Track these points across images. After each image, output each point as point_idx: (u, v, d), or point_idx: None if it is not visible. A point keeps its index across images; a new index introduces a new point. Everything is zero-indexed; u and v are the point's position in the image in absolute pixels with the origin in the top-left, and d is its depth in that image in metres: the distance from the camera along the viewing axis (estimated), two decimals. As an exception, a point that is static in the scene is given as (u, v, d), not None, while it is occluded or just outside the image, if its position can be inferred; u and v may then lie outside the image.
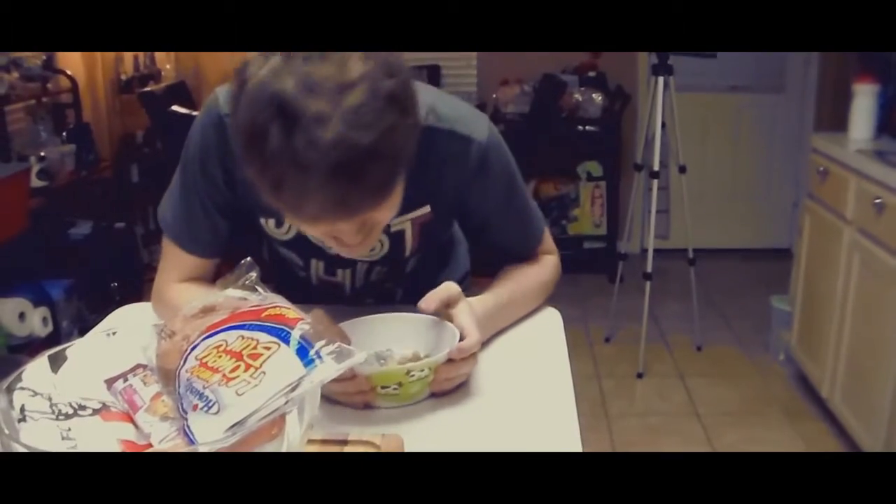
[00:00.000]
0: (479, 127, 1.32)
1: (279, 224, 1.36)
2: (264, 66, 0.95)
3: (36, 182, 3.68)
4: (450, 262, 1.62)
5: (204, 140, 1.29)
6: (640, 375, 3.73)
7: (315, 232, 1.13)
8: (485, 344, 1.29)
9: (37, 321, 3.41)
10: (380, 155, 0.95)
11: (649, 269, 3.78)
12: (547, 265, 1.50)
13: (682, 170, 3.86)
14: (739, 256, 5.21)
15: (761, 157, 5.19)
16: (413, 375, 1.13)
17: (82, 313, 3.69)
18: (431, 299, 1.23)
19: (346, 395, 1.15)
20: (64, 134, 4.12)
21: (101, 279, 3.94)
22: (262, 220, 1.36)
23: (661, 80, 3.68)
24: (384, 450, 0.98)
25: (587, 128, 4.73)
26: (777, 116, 5.12)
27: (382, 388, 1.13)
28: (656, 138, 3.71)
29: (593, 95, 4.71)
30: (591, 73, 4.89)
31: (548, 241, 1.52)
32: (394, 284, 1.50)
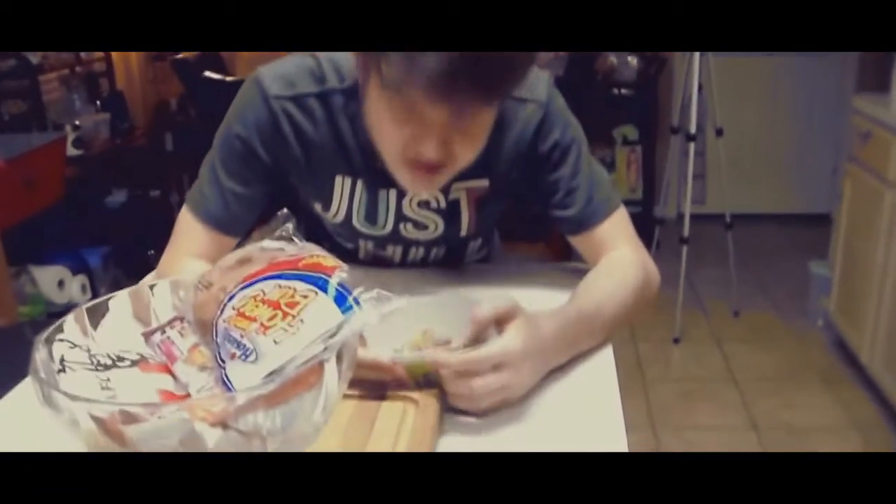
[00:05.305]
0: (537, 88, 1.24)
1: (326, 208, 1.32)
2: None
3: (72, 151, 3.71)
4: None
5: (247, 119, 1.23)
6: (676, 341, 3.70)
7: (401, 129, 1.06)
8: None
9: (76, 288, 3.45)
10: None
11: (686, 233, 3.74)
12: (626, 265, 1.25)
13: (720, 133, 3.81)
14: (777, 221, 5.14)
15: (800, 120, 5.09)
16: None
17: (120, 280, 3.73)
18: (488, 311, 1.00)
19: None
20: (98, 102, 4.15)
21: (138, 247, 3.97)
22: (311, 203, 1.33)
23: (697, 41, 3.62)
24: (423, 405, 0.97)
25: (623, 91, 4.67)
26: (817, 78, 5.00)
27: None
28: (693, 101, 3.65)
29: (628, 59, 4.63)
30: (627, 37, 4.80)
31: (619, 228, 1.29)
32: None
